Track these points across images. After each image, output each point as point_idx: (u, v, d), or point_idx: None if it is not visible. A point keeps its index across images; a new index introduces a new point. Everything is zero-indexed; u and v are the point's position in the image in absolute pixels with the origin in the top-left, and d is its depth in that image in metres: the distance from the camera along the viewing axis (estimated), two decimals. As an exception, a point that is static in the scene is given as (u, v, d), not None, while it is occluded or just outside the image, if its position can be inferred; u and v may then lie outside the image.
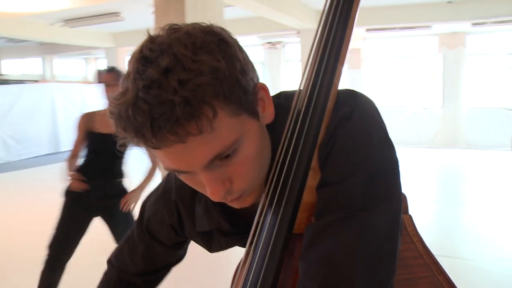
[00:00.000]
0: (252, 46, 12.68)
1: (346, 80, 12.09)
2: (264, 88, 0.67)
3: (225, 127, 0.59)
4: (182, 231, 0.88)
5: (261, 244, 0.67)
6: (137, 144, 0.60)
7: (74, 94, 12.44)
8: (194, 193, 0.81)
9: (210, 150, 0.59)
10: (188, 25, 0.62)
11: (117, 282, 0.98)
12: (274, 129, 0.70)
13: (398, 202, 0.63)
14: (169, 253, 0.95)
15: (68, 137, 12.19)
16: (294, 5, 7.98)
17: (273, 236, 0.65)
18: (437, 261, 0.71)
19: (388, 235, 0.60)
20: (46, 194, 7.48)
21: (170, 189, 0.86)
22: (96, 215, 2.94)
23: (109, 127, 2.69)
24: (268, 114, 0.69)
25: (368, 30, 10.51)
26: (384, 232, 0.59)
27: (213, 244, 0.85)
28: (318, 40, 0.72)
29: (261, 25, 9.57)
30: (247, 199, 0.69)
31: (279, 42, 12.62)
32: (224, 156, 0.61)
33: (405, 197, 0.75)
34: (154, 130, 0.55)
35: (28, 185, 8.05)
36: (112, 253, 1.00)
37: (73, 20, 9.51)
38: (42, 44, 13.10)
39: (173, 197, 0.85)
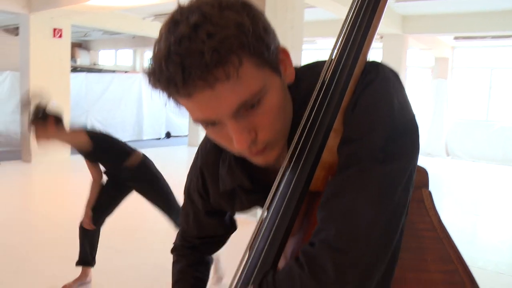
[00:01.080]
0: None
1: (431, 89, 11.65)
2: (285, 51, 0.73)
3: (250, 76, 0.64)
4: (207, 196, 0.95)
5: (277, 199, 0.72)
6: (169, 95, 0.66)
7: (160, 86, 13.00)
8: (218, 157, 0.88)
9: (236, 97, 0.64)
10: None
11: (184, 245, 1.07)
12: (298, 91, 0.76)
13: (414, 161, 0.67)
14: (209, 221, 1.01)
15: (151, 126, 12.84)
16: (379, 9, 7.81)
17: (290, 190, 0.70)
18: (450, 236, 0.71)
19: (403, 190, 0.63)
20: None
21: (197, 158, 0.95)
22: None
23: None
24: (289, 74, 0.74)
25: (456, 38, 10.07)
26: (401, 187, 0.63)
27: (236, 203, 0.91)
28: (352, 10, 0.76)
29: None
30: (271, 153, 0.73)
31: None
32: (249, 106, 0.66)
33: (426, 172, 0.77)
34: (185, 78, 0.61)
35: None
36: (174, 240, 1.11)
37: (163, 15, 9.99)
38: (134, 37, 13.83)
39: (199, 164, 0.94)
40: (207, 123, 0.70)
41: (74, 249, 3.31)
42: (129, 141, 12.37)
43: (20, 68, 8.76)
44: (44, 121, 2.98)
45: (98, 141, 3.16)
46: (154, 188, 3.25)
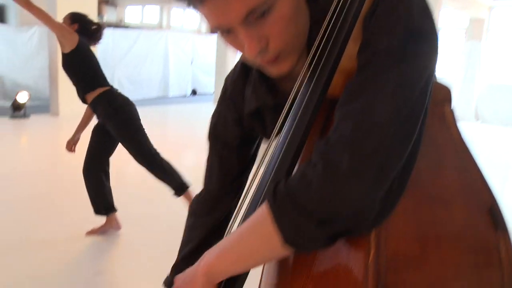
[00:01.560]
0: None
1: (463, 52, 11.29)
2: None
3: None
4: (242, 122, 0.94)
5: (294, 107, 0.71)
6: (188, 4, 0.66)
7: (186, 43, 12.98)
8: (245, 82, 0.89)
9: (245, 4, 0.64)
10: None
11: (207, 201, 1.05)
12: (316, 6, 0.74)
13: (433, 64, 0.65)
14: (239, 156, 1.00)
15: (177, 83, 12.88)
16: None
17: (307, 97, 0.69)
18: (470, 152, 0.68)
19: (421, 91, 0.61)
20: (153, 130, 8.00)
21: (226, 90, 0.95)
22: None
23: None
24: None
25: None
26: (419, 86, 0.61)
27: (266, 123, 0.89)
28: None
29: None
30: (284, 63, 0.73)
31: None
32: (259, 14, 0.66)
33: (449, 89, 0.74)
34: None
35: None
36: (194, 197, 1.09)
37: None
38: (161, -7, 13.73)
39: (228, 95, 0.94)
40: (223, 31, 0.70)
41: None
42: (155, 98, 12.59)
43: (48, 22, 8.81)
44: None
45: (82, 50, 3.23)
46: (127, 130, 3.29)
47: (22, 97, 8.77)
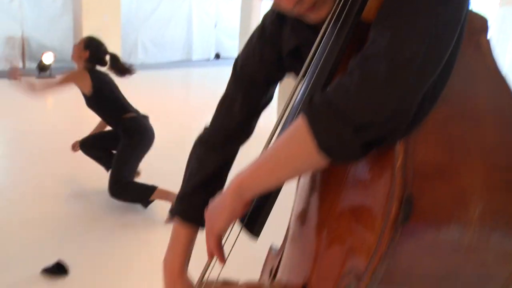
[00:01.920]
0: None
1: (496, 19, 10.91)
2: None
3: None
4: (281, 62, 0.93)
5: (330, 30, 0.71)
6: None
7: (210, 6, 12.84)
8: (281, 25, 0.89)
9: None
10: None
11: (222, 134, 1.02)
12: None
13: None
14: (264, 94, 1.00)
15: (200, 47, 12.82)
16: None
17: (341, 19, 0.68)
18: (505, 81, 0.66)
19: (458, 8, 0.60)
20: (176, 92, 8.07)
21: (263, 31, 0.94)
22: None
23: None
24: None
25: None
26: (456, 3, 0.60)
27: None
28: None
29: None
30: (321, 10, 0.72)
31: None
32: None
33: (485, 19, 0.72)
34: None
35: (160, 83, 8.68)
36: (201, 132, 1.06)
37: None
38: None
39: (268, 35, 0.93)
40: None
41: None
42: (178, 61, 12.64)
43: (72, -17, 8.80)
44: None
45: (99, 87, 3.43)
46: (132, 148, 3.36)
47: (48, 58, 8.86)
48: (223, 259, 0.80)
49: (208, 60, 12.87)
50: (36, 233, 2.99)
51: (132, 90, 6.60)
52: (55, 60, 9.16)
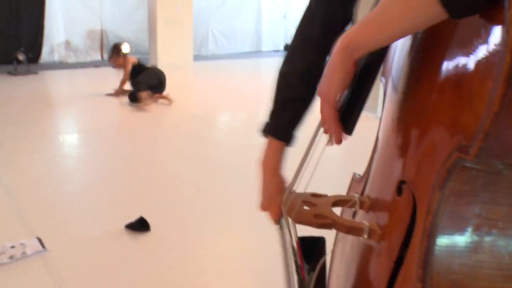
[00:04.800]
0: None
1: None
2: None
3: None
4: None
5: None
6: None
7: (279, -3, 12.83)
8: None
9: None
10: None
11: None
12: None
13: None
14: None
15: (270, 38, 12.85)
16: None
17: None
18: None
19: None
20: (245, 81, 8.16)
21: None
22: None
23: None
24: None
25: None
26: None
27: None
28: None
29: None
30: None
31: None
32: None
33: None
34: None
35: (230, 73, 8.81)
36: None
37: None
38: None
39: None
40: None
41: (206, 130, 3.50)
42: (248, 52, 12.78)
43: (146, -24, 9.11)
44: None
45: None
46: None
47: (125, 48, 9.22)
48: (340, 136, 0.75)
49: (277, 51, 12.88)
50: (121, 193, 3.18)
51: (204, 76, 6.86)
52: (130, 52, 9.55)
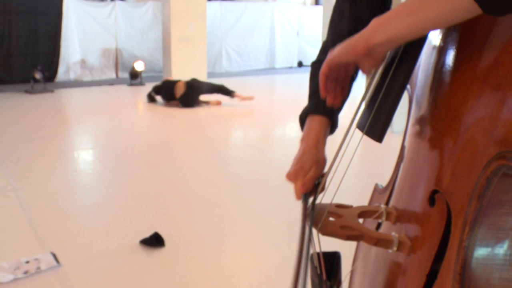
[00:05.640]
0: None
1: None
2: None
3: None
4: None
5: None
6: None
7: (292, 15, 12.92)
8: None
9: None
10: None
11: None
12: None
13: None
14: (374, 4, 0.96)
15: (283, 55, 12.91)
16: None
17: None
18: None
19: None
20: (259, 96, 8.18)
21: None
22: None
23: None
24: None
25: None
26: None
27: None
28: None
29: None
30: None
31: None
32: None
33: None
34: None
35: (242, 90, 8.84)
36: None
37: None
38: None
39: None
40: None
41: (221, 146, 3.49)
42: (261, 69, 13.00)
43: (161, -4, 9.21)
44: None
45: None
46: None
47: (139, 66, 9.32)
48: (325, 94, 0.79)
49: (291, 68, 12.91)
50: (136, 208, 3.17)
51: (216, 96, 6.97)
52: (145, 70, 9.62)
